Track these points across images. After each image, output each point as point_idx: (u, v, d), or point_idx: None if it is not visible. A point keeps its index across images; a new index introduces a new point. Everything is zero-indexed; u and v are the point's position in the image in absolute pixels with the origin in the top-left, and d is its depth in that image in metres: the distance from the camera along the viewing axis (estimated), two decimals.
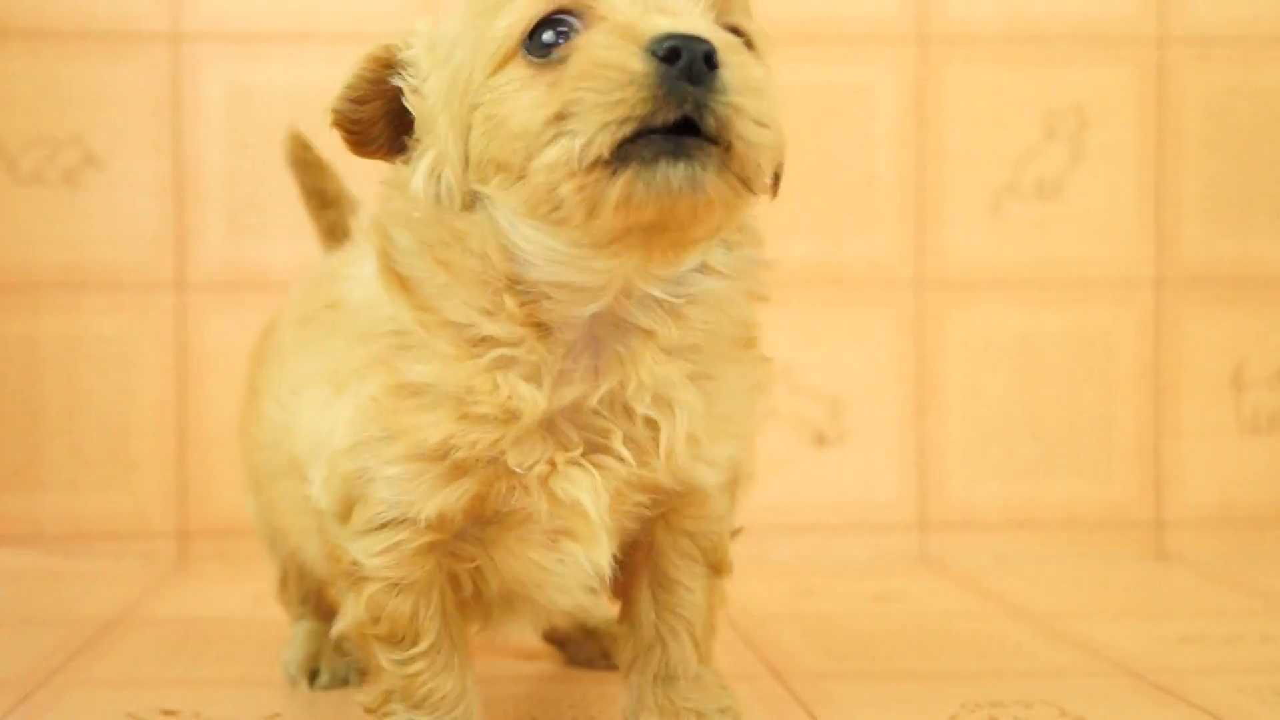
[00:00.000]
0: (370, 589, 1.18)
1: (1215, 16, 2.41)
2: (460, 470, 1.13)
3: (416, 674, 1.21)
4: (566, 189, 1.02)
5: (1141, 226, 2.43)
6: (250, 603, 1.98)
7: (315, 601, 1.63)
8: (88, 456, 2.35)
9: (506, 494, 1.15)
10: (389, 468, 1.14)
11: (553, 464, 1.13)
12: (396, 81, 1.15)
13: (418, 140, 1.14)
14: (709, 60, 0.99)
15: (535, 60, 1.05)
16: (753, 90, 1.01)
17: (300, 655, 1.58)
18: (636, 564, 1.29)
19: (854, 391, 2.41)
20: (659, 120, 0.98)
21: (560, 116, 1.01)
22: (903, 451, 2.42)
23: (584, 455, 1.14)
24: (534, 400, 1.11)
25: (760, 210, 1.17)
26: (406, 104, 1.14)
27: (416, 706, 1.22)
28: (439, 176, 1.12)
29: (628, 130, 0.99)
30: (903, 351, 2.41)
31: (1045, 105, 2.42)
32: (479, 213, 1.10)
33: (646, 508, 1.21)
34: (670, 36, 0.98)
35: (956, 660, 1.69)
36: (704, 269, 1.15)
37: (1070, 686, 1.56)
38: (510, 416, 1.11)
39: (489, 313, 1.11)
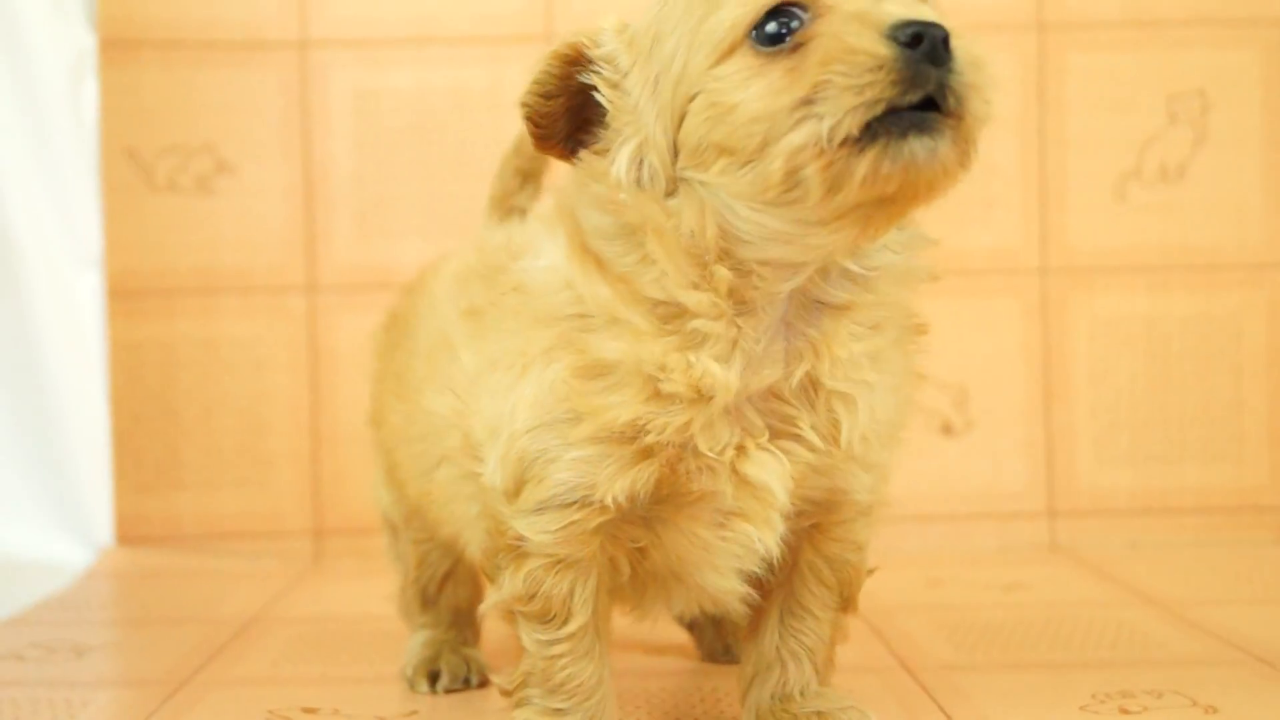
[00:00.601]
0: (531, 564, 1.21)
1: None
2: (647, 452, 1.15)
3: (558, 656, 1.23)
4: (812, 168, 1.04)
5: (1267, 208, 2.40)
6: (385, 600, 2.01)
7: (436, 605, 1.65)
8: (224, 457, 2.39)
9: (692, 475, 1.16)
10: (574, 450, 1.16)
11: (741, 448, 1.15)
12: (583, 78, 1.17)
13: (615, 131, 1.16)
14: (945, 44, 1.03)
15: (764, 50, 1.08)
16: (979, 68, 1.06)
17: (418, 659, 1.59)
18: (772, 585, 1.30)
19: (980, 380, 2.40)
20: (905, 101, 1.02)
21: (807, 100, 1.04)
22: (1030, 439, 2.40)
23: (770, 440, 1.16)
24: (726, 381, 1.13)
25: None
26: (599, 98, 1.16)
27: (553, 691, 1.23)
28: (642, 162, 1.14)
29: (878, 110, 1.02)
30: (1028, 339, 2.40)
31: (1167, 89, 2.40)
32: (686, 194, 1.13)
33: (804, 513, 1.23)
34: (910, 23, 1.02)
35: (1086, 650, 1.68)
36: (883, 246, 1.18)
37: (1201, 675, 1.53)
38: (702, 396, 1.13)
39: (694, 285, 1.13)
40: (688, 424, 1.14)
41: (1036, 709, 1.43)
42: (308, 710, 1.47)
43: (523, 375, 1.19)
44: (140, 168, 2.38)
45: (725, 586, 1.26)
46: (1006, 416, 2.41)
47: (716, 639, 1.66)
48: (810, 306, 1.16)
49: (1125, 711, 1.40)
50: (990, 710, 1.42)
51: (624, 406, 1.14)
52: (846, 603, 1.33)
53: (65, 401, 2.39)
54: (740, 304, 1.13)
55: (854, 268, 1.16)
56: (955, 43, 1.04)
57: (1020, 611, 1.90)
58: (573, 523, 1.18)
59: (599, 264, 1.16)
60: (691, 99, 1.11)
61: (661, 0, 1.15)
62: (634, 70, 1.15)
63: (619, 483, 1.16)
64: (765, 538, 1.20)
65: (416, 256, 2.28)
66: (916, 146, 1.03)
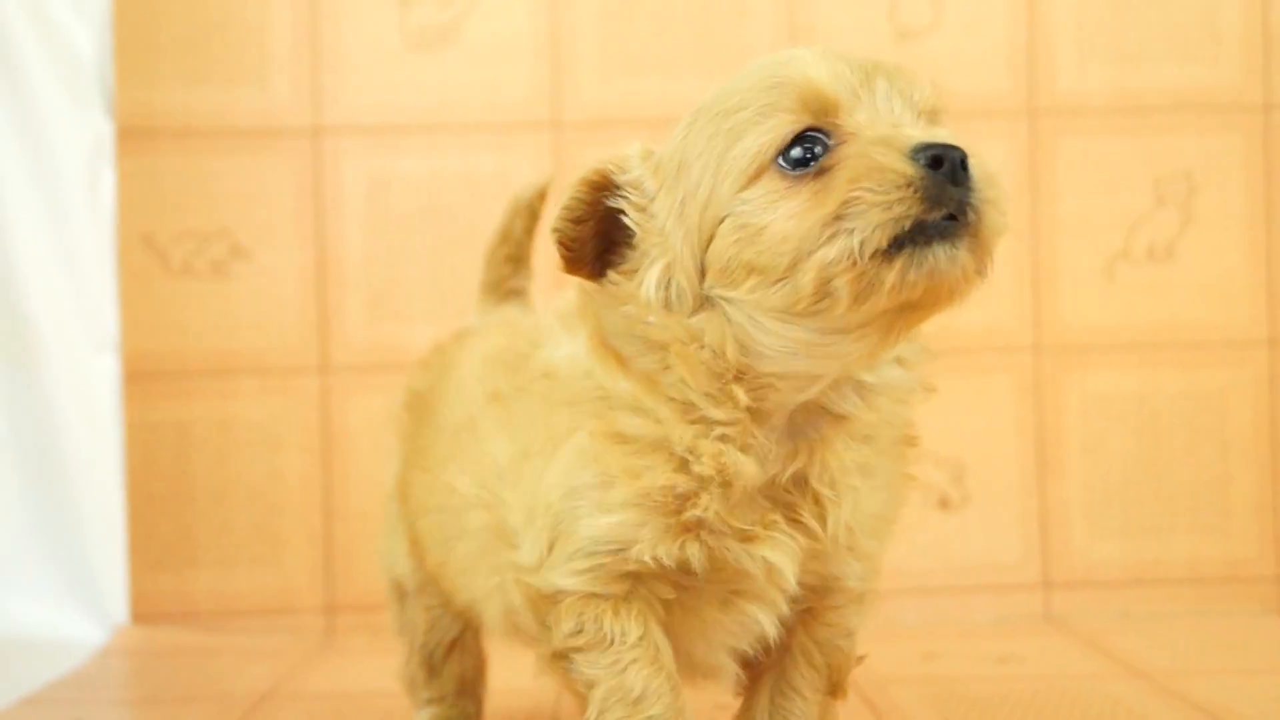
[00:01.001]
0: (569, 600, 1.24)
1: None
2: (681, 525, 1.20)
3: (629, 665, 1.24)
4: (842, 280, 1.11)
5: (1252, 287, 2.48)
6: (394, 677, 2.04)
7: (440, 675, 1.70)
8: (237, 535, 2.43)
9: (716, 552, 1.22)
10: (607, 515, 1.21)
11: (761, 530, 1.21)
12: (611, 202, 1.22)
13: (642, 252, 1.21)
14: (964, 164, 1.10)
15: (790, 173, 1.14)
16: (993, 185, 1.13)
17: None
18: (763, 667, 1.35)
19: (976, 455, 2.46)
20: (931, 217, 1.09)
21: (837, 217, 1.10)
22: (1025, 513, 2.46)
23: (785, 519, 1.22)
24: (752, 470, 1.19)
25: None
26: (627, 221, 1.21)
27: (637, 702, 1.24)
28: (670, 283, 1.19)
29: (906, 225, 1.09)
30: (1022, 415, 2.47)
31: (1155, 172, 2.48)
32: (710, 313, 1.18)
33: (799, 598, 1.28)
34: (931, 145, 1.10)
35: None
36: (893, 359, 1.25)
37: None
38: (729, 480, 1.19)
39: (713, 399, 1.18)
40: (720, 500, 1.20)
41: None
42: None
43: (553, 455, 1.24)
44: (156, 252, 2.42)
45: (713, 661, 1.32)
46: (1002, 490, 2.47)
47: None
48: (816, 412, 1.22)
49: None
50: None
51: (658, 471, 1.19)
52: (835, 687, 1.37)
53: (82, 481, 2.42)
54: (754, 413, 1.19)
55: (867, 378, 1.22)
56: (972, 163, 1.11)
57: (1011, 685, 1.96)
58: (600, 565, 1.22)
59: (620, 361, 1.22)
60: (720, 222, 1.16)
61: (686, 127, 1.21)
62: (660, 195, 1.20)
63: (662, 546, 1.20)
64: (766, 619, 1.26)
65: (427, 337, 2.30)
66: (940, 254, 1.10)
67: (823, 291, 1.12)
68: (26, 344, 2.40)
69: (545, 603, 1.25)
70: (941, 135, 1.13)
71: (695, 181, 1.18)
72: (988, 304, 2.46)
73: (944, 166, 1.09)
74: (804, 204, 1.13)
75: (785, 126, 1.14)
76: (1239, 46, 2.47)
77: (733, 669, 1.35)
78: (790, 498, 1.23)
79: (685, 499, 1.20)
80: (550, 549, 1.24)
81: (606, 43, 2.45)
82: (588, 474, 1.21)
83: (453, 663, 1.70)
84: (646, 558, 1.20)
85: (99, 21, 2.42)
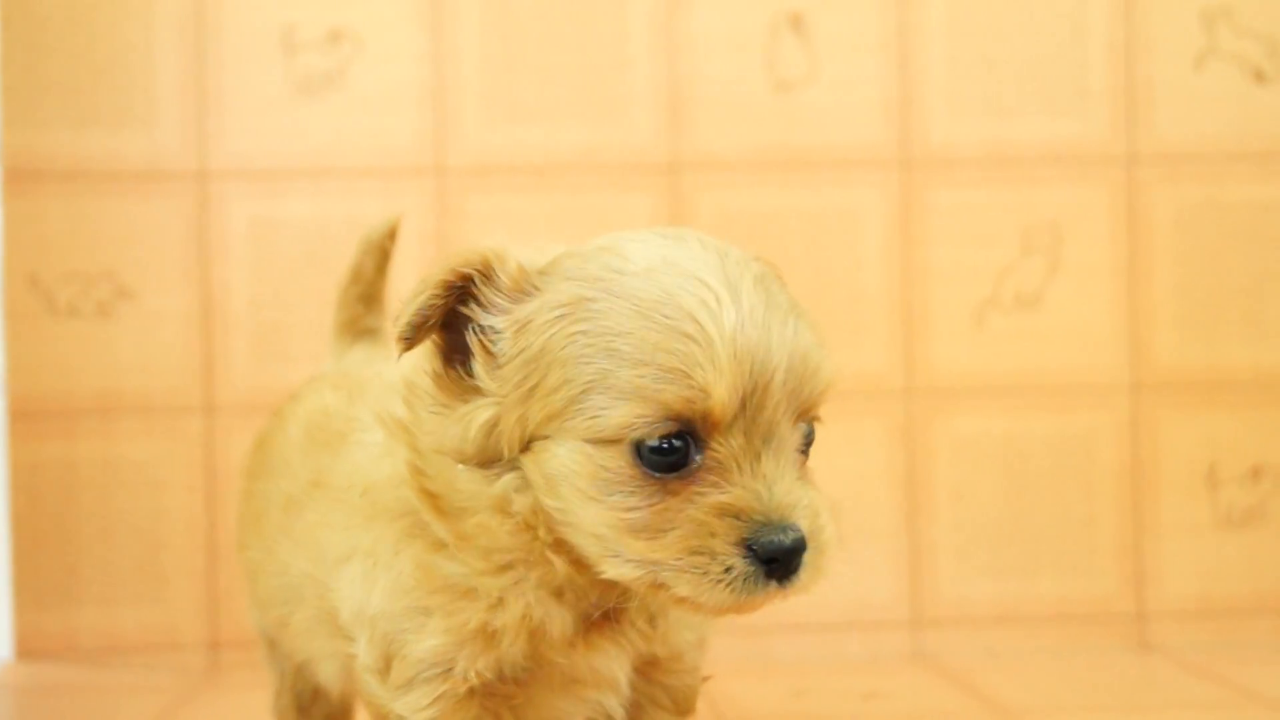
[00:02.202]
0: None
1: (1182, 136, 2.54)
2: (498, 644, 1.22)
3: None
4: (634, 583, 1.15)
5: (1116, 335, 2.55)
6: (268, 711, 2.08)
7: (309, 715, 1.73)
8: (121, 573, 2.45)
9: (542, 660, 1.25)
10: (428, 639, 1.22)
11: (586, 643, 1.24)
12: (463, 308, 1.17)
13: (476, 383, 1.17)
14: (797, 555, 1.11)
15: (639, 466, 1.12)
16: (820, 557, 1.13)
17: None
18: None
19: (848, 496, 2.52)
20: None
21: (654, 563, 1.13)
22: (896, 552, 2.53)
23: (608, 633, 1.24)
24: (564, 620, 1.22)
25: None
26: (471, 340, 1.17)
27: None
28: (492, 432, 1.16)
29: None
30: (893, 457, 2.53)
31: (1023, 223, 2.54)
32: (523, 479, 1.16)
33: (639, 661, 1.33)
34: (774, 546, 1.09)
35: None
36: None
37: None
38: (540, 632, 1.22)
39: (528, 563, 1.19)
40: (534, 638, 1.22)
41: None
42: None
43: (375, 568, 1.25)
44: (42, 293, 2.44)
45: None
46: (873, 530, 2.53)
47: None
48: None
49: None
50: None
51: (472, 612, 1.21)
52: (684, 712, 1.40)
53: None
54: (576, 565, 1.19)
55: None
56: (810, 541, 1.11)
57: None
58: (442, 694, 1.23)
59: (435, 504, 1.20)
60: (553, 441, 1.13)
61: (560, 318, 1.14)
62: (512, 355, 1.15)
63: (480, 661, 1.22)
64: (610, 703, 1.30)
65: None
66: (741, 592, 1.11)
67: (607, 576, 1.14)
68: None
69: None
70: (798, 508, 1.11)
71: (551, 386, 1.12)
72: (860, 349, 2.52)
73: (776, 564, 1.09)
74: (632, 516, 1.11)
75: (659, 426, 1.10)
76: (1105, 100, 2.54)
77: None
78: (613, 614, 1.25)
79: (498, 634, 1.21)
80: (388, 665, 1.25)
81: (490, 91, 2.49)
82: (406, 601, 1.22)
83: (320, 705, 1.73)
84: (470, 674, 1.22)
85: None
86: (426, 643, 1.22)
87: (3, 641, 2.44)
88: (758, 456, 1.12)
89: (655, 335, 1.10)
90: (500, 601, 1.21)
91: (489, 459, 1.17)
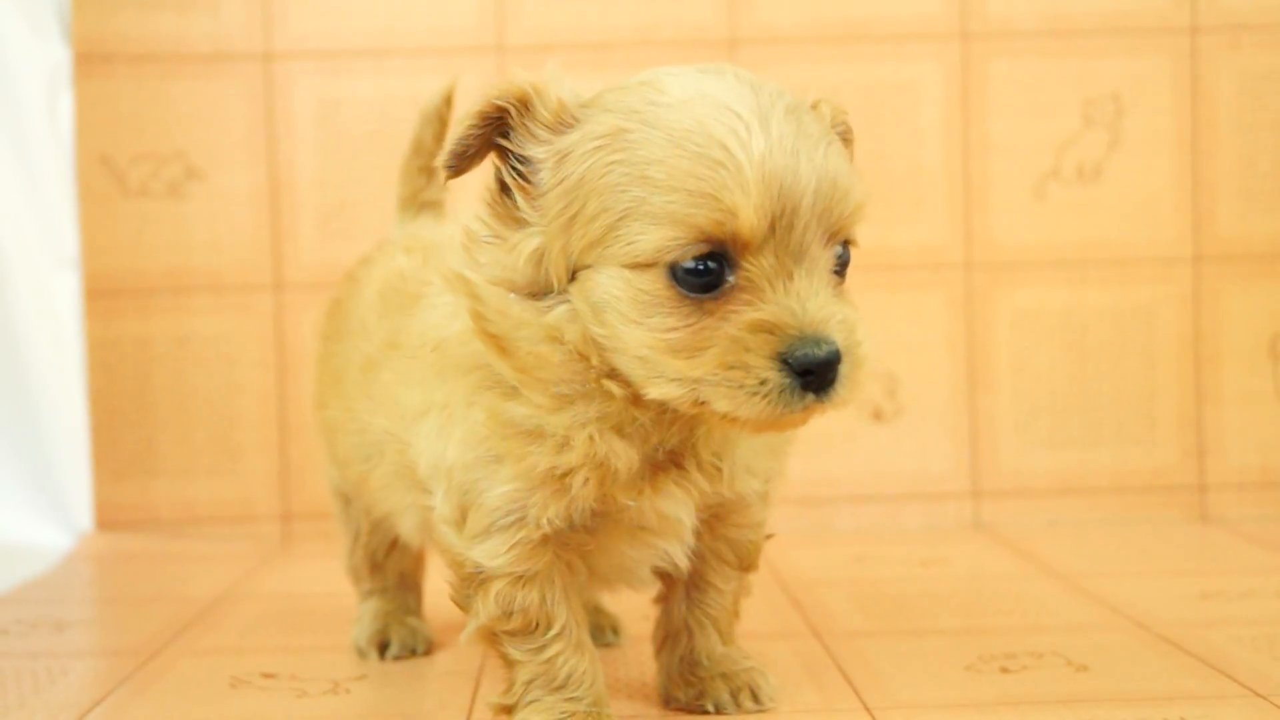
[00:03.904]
0: (497, 586, 1.28)
1: (1245, 5, 2.52)
2: (568, 488, 1.25)
3: (555, 656, 1.31)
4: (678, 403, 1.18)
5: (1179, 206, 2.54)
6: (343, 577, 2.13)
7: (383, 570, 1.76)
8: (197, 447, 2.51)
9: (613, 505, 1.27)
10: (501, 485, 1.25)
11: (654, 486, 1.26)
12: (502, 141, 1.20)
13: (522, 216, 1.20)
14: (834, 366, 1.14)
15: (676, 288, 1.16)
16: (857, 370, 1.17)
17: (369, 630, 1.70)
18: (679, 573, 1.42)
19: (909, 369, 2.54)
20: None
21: (696, 380, 1.17)
22: (956, 425, 2.55)
23: (673, 475, 1.27)
24: (629, 457, 1.24)
25: None
26: (510, 172, 1.20)
27: (559, 689, 1.31)
28: (539, 262, 1.20)
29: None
30: (954, 330, 2.54)
31: (1083, 95, 2.53)
32: (571, 309, 1.20)
33: (704, 510, 1.35)
34: (810, 360, 1.13)
35: (984, 618, 1.81)
36: None
37: (1082, 640, 1.67)
38: (605, 468, 1.24)
39: (585, 394, 1.22)
40: (601, 480, 1.25)
41: (927, 669, 1.56)
42: (267, 676, 1.60)
43: (450, 421, 1.28)
44: (114, 174, 2.50)
45: (632, 581, 1.40)
46: (933, 403, 2.54)
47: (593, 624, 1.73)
48: None
49: (1005, 671, 1.54)
50: (885, 671, 1.55)
51: (541, 455, 1.23)
52: (747, 567, 1.44)
53: (46, 396, 2.50)
54: (633, 398, 1.21)
55: None
56: (845, 355, 1.14)
57: (933, 584, 2.03)
58: (518, 541, 1.26)
59: (499, 347, 1.23)
60: (595, 270, 1.17)
61: (598, 149, 1.17)
62: (552, 185, 1.18)
63: (551, 509, 1.25)
64: (676, 550, 1.34)
65: None
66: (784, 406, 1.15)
67: (652, 396, 1.18)
68: None
69: (471, 581, 1.30)
70: (831, 322, 1.15)
71: (590, 214, 1.16)
72: (920, 222, 2.53)
73: (811, 376, 1.13)
74: (671, 336, 1.15)
75: (692, 248, 1.14)
76: None
77: (652, 581, 1.43)
78: (677, 458, 1.27)
79: (567, 477, 1.24)
80: (464, 516, 1.28)
81: None
82: (480, 450, 1.25)
83: (394, 560, 1.76)
84: (543, 522, 1.25)
85: None
86: (499, 489, 1.25)
87: (82, 513, 2.51)
88: (790, 275, 1.15)
89: (686, 163, 1.14)
90: (566, 441, 1.23)
91: (539, 290, 1.21)
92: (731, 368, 1.13)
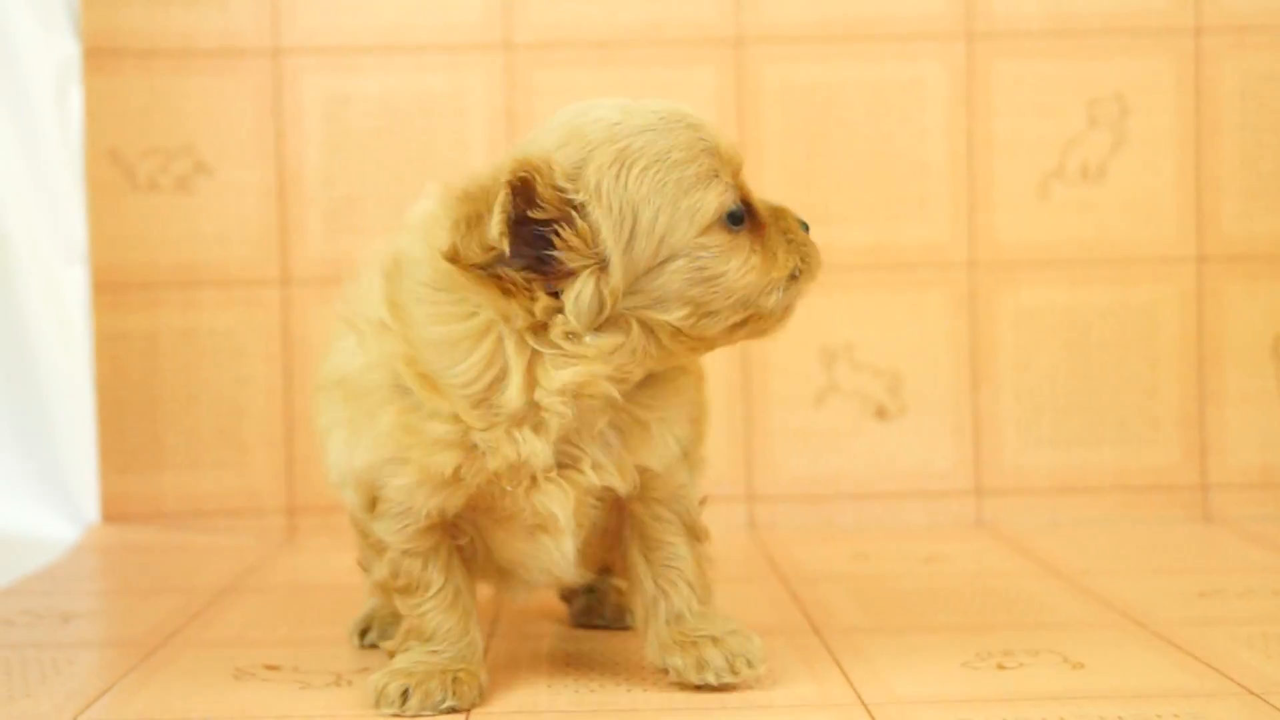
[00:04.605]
0: (391, 555, 1.48)
1: (1249, 6, 2.53)
2: (457, 485, 1.41)
3: (426, 613, 1.48)
4: (762, 319, 1.43)
5: (1182, 206, 2.55)
6: (352, 571, 2.15)
7: None
8: (204, 440, 2.53)
9: (495, 499, 1.43)
10: (397, 480, 1.42)
11: (533, 480, 1.41)
12: (533, 213, 1.33)
13: (567, 269, 1.34)
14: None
15: (731, 229, 1.39)
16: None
17: (359, 618, 1.77)
18: (627, 536, 1.53)
19: (912, 367, 2.55)
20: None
21: (773, 282, 1.42)
22: (959, 422, 2.56)
23: (558, 472, 1.41)
24: (545, 455, 1.39)
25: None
26: (553, 237, 1.34)
27: (427, 639, 1.48)
28: (595, 299, 1.35)
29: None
30: (957, 328, 2.55)
31: (1088, 94, 2.54)
32: (616, 331, 1.37)
33: (606, 500, 1.48)
34: (803, 222, 1.47)
35: (983, 614, 1.82)
36: None
37: (1079, 637, 1.68)
38: (522, 467, 1.39)
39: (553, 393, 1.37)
40: (500, 474, 1.40)
41: (924, 665, 1.57)
42: (270, 667, 1.62)
43: (355, 433, 1.44)
44: (123, 169, 2.51)
45: (550, 578, 1.53)
46: (936, 401, 2.55)
47: (584, 609, 1.84)
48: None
49: (1002, 667, 1.55)
50: (882, 666, 1.57)
51: (448, 461, 1.39)
52: (692, 532, 1.54)
53: (54, 388, 2.51)
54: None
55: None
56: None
57: (933, 581, 2.04)
58: (406, 525, 1.46)
59: (431, 386, 1.37)
60: (669, 260, 1.36)
61: (619, 171, 1.35)
62: (601, 220, 1.33)
63: (431, 502, 1.43)
64: (563, 546, 1.46)
65: None
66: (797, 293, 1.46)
67: (743, 324, 1.40)
68: (1, 257, 2.49)
69: (374, 548, 1.51)
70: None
71: (650, 219, 1.35)
72: (924, 220, 2.54)
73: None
74: (748, 261, 1.39)
75: (731, 193, 1.39)
76: None
77: (550, 583, 1.58)
78: (575, 451, 1.42)
79: (461, 473, 1.40)
80: (372, 505, 1.47)
81: None
82: (385, 453, 1.42)
83: None
84: (423, 513, 1.43)
85: None
86: (396, 483, 1.43)
87: (89, 505, 2.52)
88: (763, 200, 1.46)
89: (685, 136, 1.38)
90: (490, 446, 1.38)
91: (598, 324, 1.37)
92: (798, 249, 1.44)
